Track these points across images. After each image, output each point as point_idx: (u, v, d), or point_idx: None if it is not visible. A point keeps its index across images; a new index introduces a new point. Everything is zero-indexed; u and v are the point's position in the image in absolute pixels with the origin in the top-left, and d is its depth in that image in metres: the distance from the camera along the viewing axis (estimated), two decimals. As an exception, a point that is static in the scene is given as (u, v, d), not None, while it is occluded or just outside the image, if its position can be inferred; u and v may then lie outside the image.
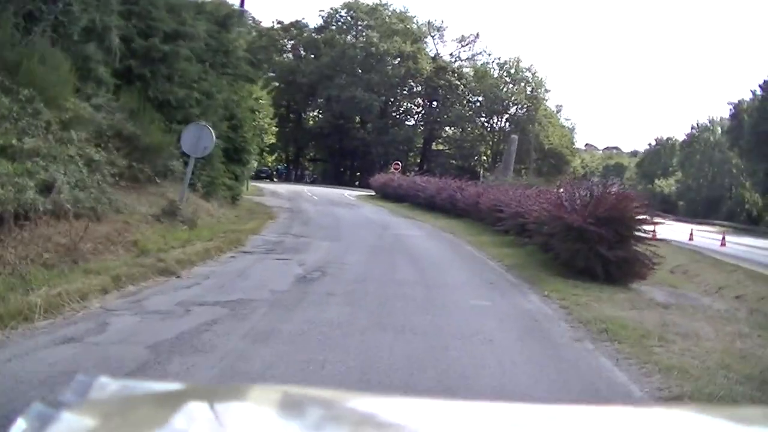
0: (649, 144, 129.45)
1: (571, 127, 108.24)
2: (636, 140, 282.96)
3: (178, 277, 13.61)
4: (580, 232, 16.63)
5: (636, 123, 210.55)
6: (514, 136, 63.57)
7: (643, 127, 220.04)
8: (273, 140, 63.19)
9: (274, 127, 61.08)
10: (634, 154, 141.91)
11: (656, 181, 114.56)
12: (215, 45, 30.76)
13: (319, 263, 16.96)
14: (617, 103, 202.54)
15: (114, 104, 21.18)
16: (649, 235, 17.80)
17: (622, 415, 1.98)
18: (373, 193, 64.77)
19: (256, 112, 50.06)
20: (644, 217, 17.49)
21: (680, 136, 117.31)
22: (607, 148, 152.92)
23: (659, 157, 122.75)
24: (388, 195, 56.96)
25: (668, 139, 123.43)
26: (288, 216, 33.10)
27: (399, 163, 71.48)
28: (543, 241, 19.44)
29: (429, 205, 43.37)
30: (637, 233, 17.27)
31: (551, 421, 1.78)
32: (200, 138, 22.15)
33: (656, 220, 19.10)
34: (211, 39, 29.95)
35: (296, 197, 51.71)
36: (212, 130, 22.61)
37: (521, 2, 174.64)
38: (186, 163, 22.94)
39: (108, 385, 1.66)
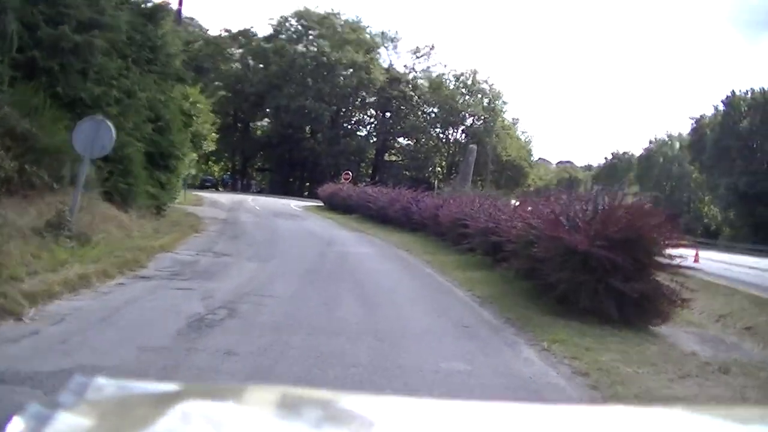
0: (606, 158, 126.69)
1: (527, 140, 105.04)
2: (590, 155, 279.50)
3: (19, 319, 9.43)
4: (585, 258, 12.40)
5: (589, 138, 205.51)
6: (473, 146, 59.49)
7: (597, 142, 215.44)
8: (213, 147, 58.35)
9: (214, 134, 56.37)
10: (588, 168, 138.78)
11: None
12: (140, 39, 27.63)
13: (231, 295, 12.74)
14: (570, 118, 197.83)
15: (3, 97, 18.15)
16: (676, 261, 13.26)
17: (619, 415, 1.99)
18: (322, 204, 61.07)
19: (193, 117, 46.09)
20: (668, 237, 13.16)
21: (637, 151, 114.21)
22: (560, 162, 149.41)
23: (615, 170, 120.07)
24: (336, 206, 53.30)
25: (624, 153, 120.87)
26: (219, 228, 29.24)
27: (350, 172, 67.24)
28: (528, 266, 14.88)
29: (381, 217, 39.63)
30: (659, 259, 12.98)
31: (549, 421, 1.79)
32: (97, 135, 18.03)
33: (684, 240, 14.85)
34: (135, 32, 26.84)
35: (237, 207, 48.04)
36: (112, 127, 18.36)
37: (477, 15, 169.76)
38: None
39: (105, 386, 1.66)
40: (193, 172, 53.48)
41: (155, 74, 29.43)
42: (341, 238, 29.78)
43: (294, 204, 62.59)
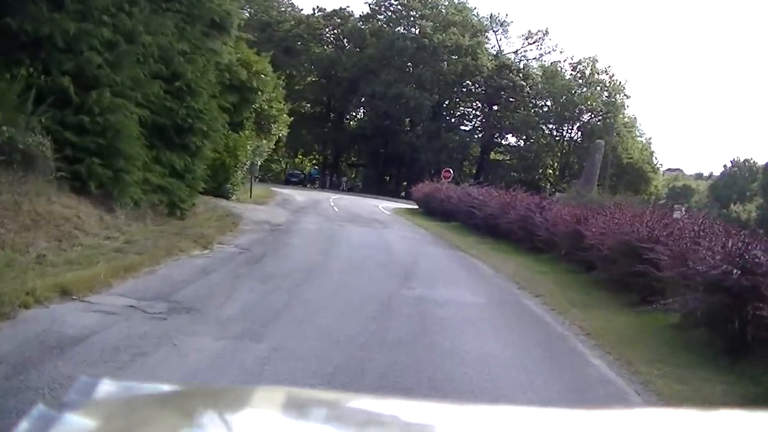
0: (724, 166, 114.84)
1: (648, 141, 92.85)
2: (702, 162, 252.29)
3: None
4: None
5: (701, 143, 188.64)
6: (600, 142, 50.18)
7: (710, 148, 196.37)
8: (284, 131, 48.92)
9: (286, 115, 47.06)
10: (699, 176, 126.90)
11: (732, 206, 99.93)
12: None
13: None
14: (679, 120, 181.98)
15: None
16: None
17: (623, 418, 1.97)
18: (416, 207, 51.71)
19: (257, 90, 36.95)
20: None
21: (761, 158, 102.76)
22: (668, 170, 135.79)
23: (735, 180, 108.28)
24: (433, 210, 43.93)
25: (746, 160, 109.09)
26: (250, 241, 20.53)
27: (450, 170, 56.95)
28: None
29: (489, 228, 30.43)
30: None
31: (554, 425, 1.79)
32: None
33: None
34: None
35: (309, 209, 39.51)
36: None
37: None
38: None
39: (111, 387, 1.66)
40: (259, 161, 44.09)
41: (177, 14, 21.19)
42: (429, 266, 20.00)
43: (383, 206, 53.28)
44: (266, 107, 41.64)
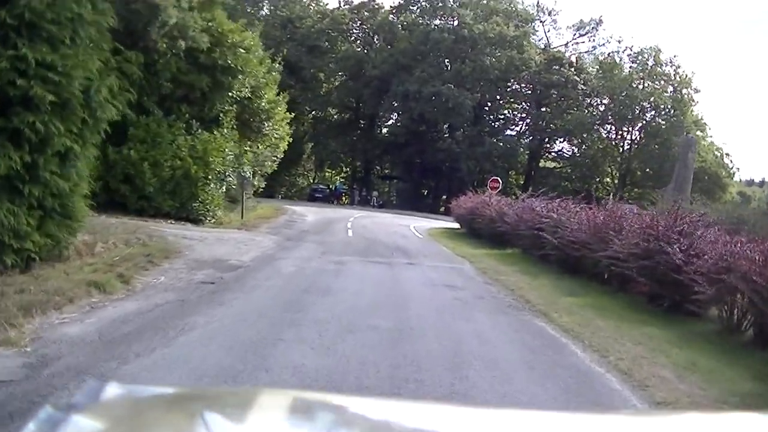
0: None
1: (722, 143, 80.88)
2: (756, 167, 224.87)
3: None
4: None
5: (751, 148, 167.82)
6: (691, 137, 40.03)
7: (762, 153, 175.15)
8: (284, 131, 38.79)
9: (281, 109, 36.99)
10: (750, 183, 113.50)
11: None
12: None
13: None
14: (736, 119, 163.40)
15: None
16: None
17: (629, 423, 2.02)
18: (457, 226, 41.84)
19: (236, 74, 28.30)
20: None
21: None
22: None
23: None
24: (478, 231, 34.01)
25: None
26: (116, 318, 10.39)
27: (498, 179, 46.01)
28: None
29: (570, 262, 20.86)
30: None
31: (556, 429, 1.80)
32: None
33: None
34: None
35: (312, 235, 29.80)
36: None
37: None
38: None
39: (118, 390, 1.69)
40: (250, 172, 33.85)
41: None
42: (492, 380, 8.64)
43: (416, 225, 42.60)
44: (253, 97, 31.44)
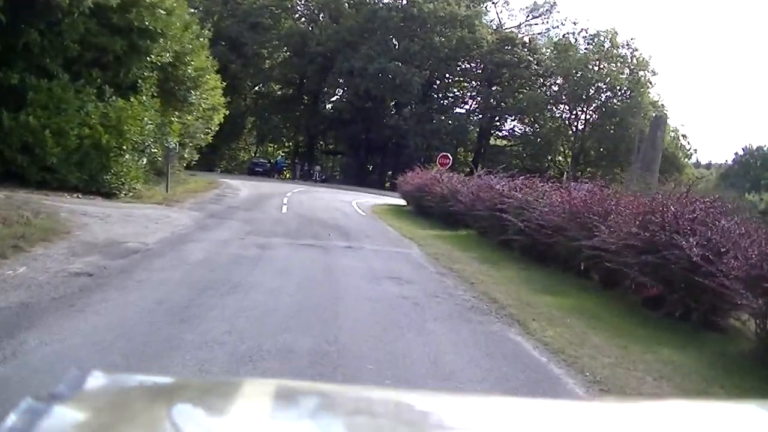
0: (736, 154, 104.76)
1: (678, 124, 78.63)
2: (709, 151, 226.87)
3: None
4: None
5: (707, 131, 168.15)
6: (660, 116, 38.73)
7: (718, 136, 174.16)
8: (213, 101, 35.43)
9: (211, 78, 33.68)
10: (709, 166, 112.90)
11: (746, 195, 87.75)
12: None
13: None
14: (685, 105, 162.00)
15: None
16: None
17: (621, 410, 1.95)
18: (404, 204, 39.20)
19: (156, 38, 25.76)
20: None
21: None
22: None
23: (749, 169, 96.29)
24: (427, 209, 31.09)
25: (759, 149, 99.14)
26: None
27: (448, 155, 42.94)
28: None
29: (535, 251, 18.36)
30: None
31: (545, 416, 1.76)
32: None
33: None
34: None
35: (241, 210, 26.65)
36: None
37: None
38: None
39: (101, 379, 1.63)
40: (173, 143, 30.40)
41: None
42: None
43: (359, 201, 39.47)
44: (178, 64, 28.06)
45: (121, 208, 21.33)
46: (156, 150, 28.96)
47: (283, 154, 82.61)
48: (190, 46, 29.20)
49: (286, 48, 77.12)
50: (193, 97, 31.04)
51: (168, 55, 26.85)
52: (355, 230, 23.10)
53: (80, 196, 22.95)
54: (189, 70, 29.55)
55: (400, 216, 31.79)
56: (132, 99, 24.98)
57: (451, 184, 28.00)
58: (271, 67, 78.03)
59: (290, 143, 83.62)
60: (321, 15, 78.78)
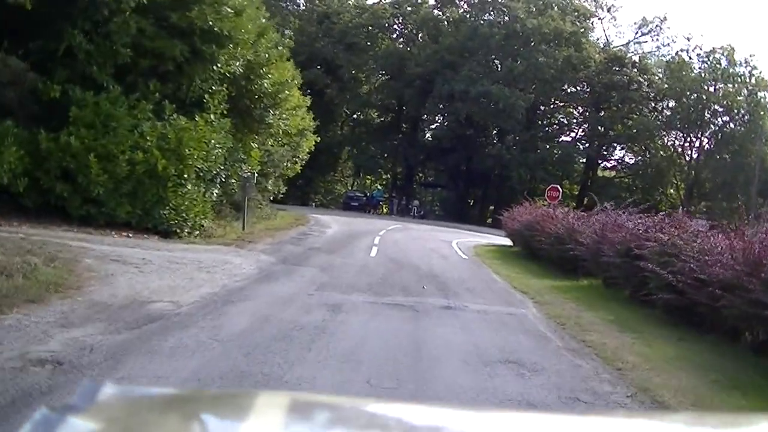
0: None
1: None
2: None
3: None
4: None
5: None
6: None
7: None
8: (296, 98, 31.84)
9: (296, 94, 30.29)
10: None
11: None
12: None
13: None
14: None
15: None
16: None
17: (628, 426, 1.96)
18: (509, 243, 35.31)
19: (225, 43, 23.08)
20: None
21: None
22: None
23: None
24: (538, 252, 27.12)
25: None
26: None
27: (558, 187, 38.82)
28: None
29: (689, 315, 13.77)
30: None
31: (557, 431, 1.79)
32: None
33: None
34: None
35: (323, 254, 22.77)
36: None
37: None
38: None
39: (114, 391, 1.66)
40: (248, 171, 26.96)
41: None
42: None
43: (459, 241, 35.30)
44: (253, 76, 24.68)
45: (174, 251, 17.95)
46: (232, 180, 25.91)
47: (380, 187, 78.69)
48: (267, 56, 25.52)
49: (383, 70, 73.71)
50: (271, 117, 27.33)
51: (238, 64, 23.32)
52: (454, 280, 19.13)
53: (131, 234, 19.81)
54: (265, 84, 25.85)
55: (506, 260, 27.81)
56: (197, 118, 21.65)
57: (567, 222, 23.95)
58: (368, 92, 74.76)
59: (388, 175, 79.65)
60: (419, 34, 75.10)
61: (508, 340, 11.52)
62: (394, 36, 76.53)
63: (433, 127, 77.24)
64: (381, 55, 71.71)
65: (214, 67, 22.21)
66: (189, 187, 21.29)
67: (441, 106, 70.59)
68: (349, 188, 77.19)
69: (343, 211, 59.08)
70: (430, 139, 75.83)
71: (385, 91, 74.17)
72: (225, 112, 23.81)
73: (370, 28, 72.25)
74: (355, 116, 78.16)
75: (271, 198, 38.35)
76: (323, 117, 62.22)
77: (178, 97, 21.94)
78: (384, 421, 1.69)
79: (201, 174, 22.16)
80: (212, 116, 22.80)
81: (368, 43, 72.67)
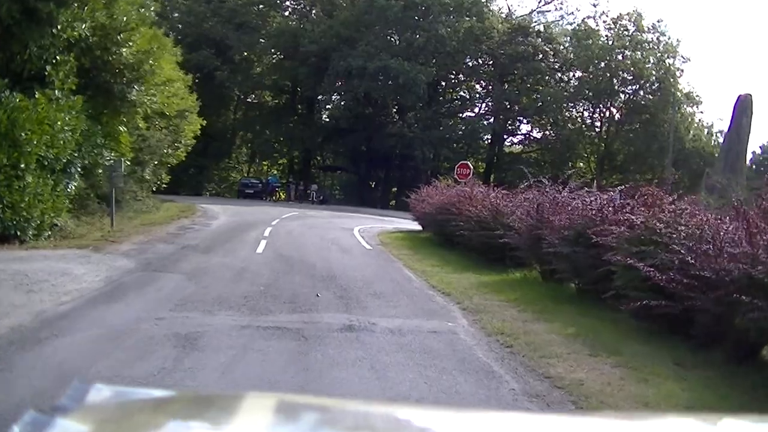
0: None
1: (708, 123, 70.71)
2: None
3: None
4: None
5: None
6: (747, 95, 31.37)
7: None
8: (169, 70, 27.65)
9: (165, 64, 26.03)
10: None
11: None
12: None
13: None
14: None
15: None
16: None
17: (624, 426, 1.91)
18: (418, 227, 31.90)
19: None
20: None
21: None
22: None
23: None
24: (453, 237, 23.22)
25: None
26: None
27: (469, 164, 35.42)
28: None
29: (684, 324, 9.85)
30: None
31: (547, 430, 1.75)
32: None
33: None
34: None
35: (208, 249, 19.80)
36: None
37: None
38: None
39: (104, 392, 1.64)
40: (114, 158, 22.66)
41: None
42: None
43: (362, 227, 31.73)
44: (107, 44, 20.47)
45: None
46: (99, 170, 22.34)
47: (277, 172, 74.72)
48: (125, 19, 20.97)
49: (275, 49, 70.16)
50: (135, 94, 22.81)
51: (85, 27, 18.96)
52: (358, 281, 15.26)
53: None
54: (124, 54, 21.40)
55: (418, 249, 24.04)
56: (37, 94, 17.49)
57: (490, 202, 20.20)
58: (261, 73, 71.01)
59: (284, 159, 76.08)
60: (312, 9, 71.59)
61: (441, 385, 7.76)
62: (287, 14, 72.89)
63: (329, 107, 74.18)
64: (273, 33, 67.93)
65: (54, 31, 17.95)
66: (29, 179, 17.10)
67: (338, 84, 66.96)
68: (245, 175, 72.92)
69: (238, 199, 55.80)
70: (327, 120, 73.34)
71: (278, 72, 70.58)
72: (75, 87, 19.57)
73: (261, 6, 69.06)
74: (248, 99, 74.64)
75: (154, 189, 34.39)
76: (214, 101, 59.10)
77: (12, 69, 17.76)
78: (371, 422, 1.64)
79: (47, 163, 17.97)
80: (57, 92, 18.62)
81: (259, 22, 68.87)
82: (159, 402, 1.74)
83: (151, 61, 22.92)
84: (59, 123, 17.93)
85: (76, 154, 19.66)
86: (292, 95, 72.57)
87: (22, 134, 16.58)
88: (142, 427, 1.52)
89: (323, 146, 74.14)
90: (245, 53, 68.30)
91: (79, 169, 20.30)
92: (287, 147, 72.97)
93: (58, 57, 18.75)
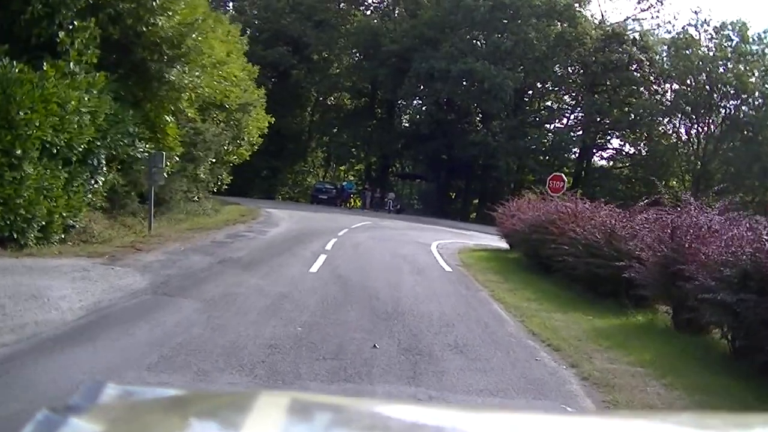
0: None
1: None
2: None
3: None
4: None
5: None
6: None
7: None
8: (220, 53, 24.01)
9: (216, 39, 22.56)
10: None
11: None
12: None
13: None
14: None
15: None
16: None
17: (630, 425, 1.89)
18: (504, 245, 27.93)
19: None
20: None
21: None
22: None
23: None
24: (547, 260, 19.39)
25: None
26: None
27: (562, 176, 31.57)
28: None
29: None
30: None
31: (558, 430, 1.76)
32: None
33: None
34: None
35: (252, 263, 16.35)
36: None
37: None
38: None
39: (116, 391, 1.65)
40: (145, 150, 19.08)
41: None
42: None
43: (441, 243, 28.00)
44: (140, 11, 16.99)
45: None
46: (142, 166, 19.52)
47: (353, 178, 72.04)
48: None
49: (355, 49, 67.60)
50: (174, 74, 19.14)
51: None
52: (434, 322, 11.34)
53: None
54: (162, 24, 17.90)
55: (507, 273, 19.98)
56: (45, 66, 14.16)
57: (605, 222, 16.19)
58: (339, 74, 68.42)
59: (361, 165, 72.95)
60: (395, 8, 68.84)
61: None
62: (369, 12, 70.39)
63: (410, 111, 70.75)
64: (353, 31, 65.62)
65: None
66: (29, 169, 13.64)
67: (419, 87, 63.46)
68: (320, 180, 69.81)
69: (311, 204, 53.35)
70: (407, 125, 70.05)
71: (357, 73, 68.24)
72: (96, 60, 16.12)
73: (341, 4, 67.14)
74: (326, 101, 71.82)
75: (214, 190, 31.30)
76: (289, 101, 56.59)
77: (14, 32, 14.40)
78: (386, 422, 1.63)
79: (56, 151, 14.53)
80: (73, 65, 15.19)
81: (339, 20, 66.64)
82: (171, 401, 1.71)
83: (195, 35, 19.21)
84: (73, 103, 14.48)
85: (98, 143, 16.25)
86: (371, 98, 69.64)
87: (20, 113, 13.17)
88: (155, 426, 1.49)
89: (402, 152, 70.68)
90: (323, 53, 65.98)
91: (103, 161, 16.89)
92: (364, 152, 69.97)
93: (75, 22, 15.34)
